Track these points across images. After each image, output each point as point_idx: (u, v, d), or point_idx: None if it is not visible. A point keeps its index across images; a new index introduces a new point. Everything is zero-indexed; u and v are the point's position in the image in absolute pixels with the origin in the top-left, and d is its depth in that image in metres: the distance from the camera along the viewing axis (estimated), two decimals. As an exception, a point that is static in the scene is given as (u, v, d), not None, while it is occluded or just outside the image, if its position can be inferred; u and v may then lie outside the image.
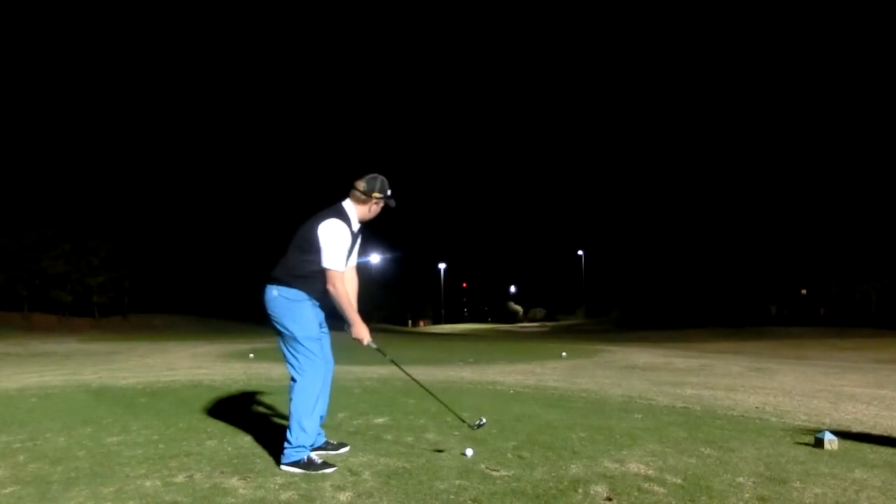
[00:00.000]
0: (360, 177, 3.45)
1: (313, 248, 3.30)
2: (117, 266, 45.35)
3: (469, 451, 3.50)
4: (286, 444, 3.22)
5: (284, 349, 3.37)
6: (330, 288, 3.30)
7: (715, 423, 4.77)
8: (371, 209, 3.45)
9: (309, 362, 3.30)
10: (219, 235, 53.99)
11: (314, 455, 3.26)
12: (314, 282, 3.33)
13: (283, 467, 3.17)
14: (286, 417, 4.53)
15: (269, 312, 3.35)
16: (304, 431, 3.22)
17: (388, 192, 3.46)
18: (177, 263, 50.37)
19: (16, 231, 40.48)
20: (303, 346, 3.29)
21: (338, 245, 3.28)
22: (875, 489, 2.94)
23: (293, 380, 3.33)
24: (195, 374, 8.98)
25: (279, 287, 3.33)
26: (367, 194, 3.40)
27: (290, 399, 3.31)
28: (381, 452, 3.54)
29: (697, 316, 50.21)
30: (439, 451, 3.59)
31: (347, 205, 3.43)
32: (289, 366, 3.36)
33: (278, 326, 3.34)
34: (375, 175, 3.45)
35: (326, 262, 3.27)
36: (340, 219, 3.32)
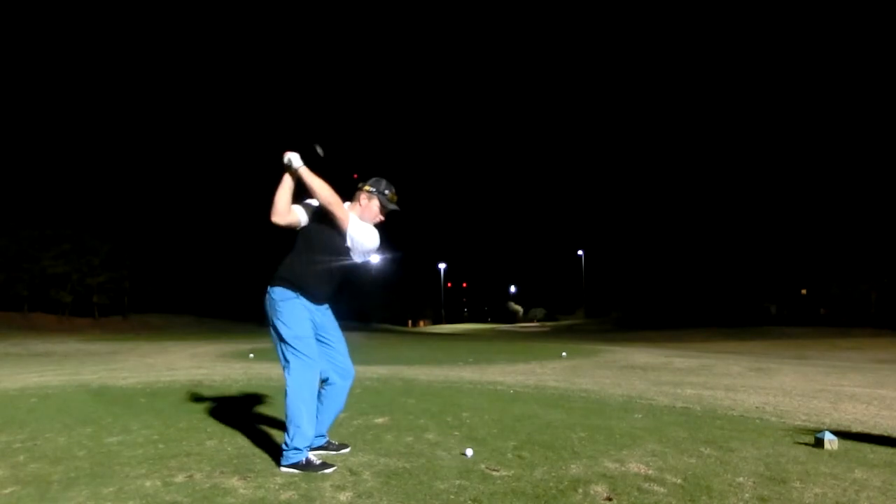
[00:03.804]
0: (363, 180, 3.50)
1: (310, 248, 3.33)
2: (117, 266, 45.39)
3: (469, 452, 3.50)
4: (284, 446, 3.22)
5: (276, 350, 3.35)
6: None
7: (715, 423, 4.77)
8: (374, 210, 3.46)
9: (298, 362, 3.25)
10: (218, 236, 53.99)
11: (313, 456, 3.25)
12: (305, 281, 3.32)
13: (283, 469, 3.17)
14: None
15: (267, 312, 3.37)
16: (300, 433, 3.19)
17: (387, 192, 3.47)
18: (176, 263, 50.40)
19: (16, 231, 40.52)
20: (290, 345, 3.25)
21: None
22: (875, 489, 2.94)
23: (286, 381, 3.31)
24: (195, 374, 8.97)
25: (271, 288, 3.35)
26: (372, 193, 3.44)
27: (286, 400, 3.28)
28: (381, 452, 3.54)
29: (697, 316, 50.25)
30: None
31: (348, 207, 3.46)
32: (283, 367, 3.32)
33: (270, 328, 3.34)
34: (381, 178, 3.51)
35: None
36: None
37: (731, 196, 63.08)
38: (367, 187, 3.46)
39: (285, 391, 3.26)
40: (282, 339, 3.27)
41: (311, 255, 3.33)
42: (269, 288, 3.35)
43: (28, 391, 6.69)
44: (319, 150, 3.32)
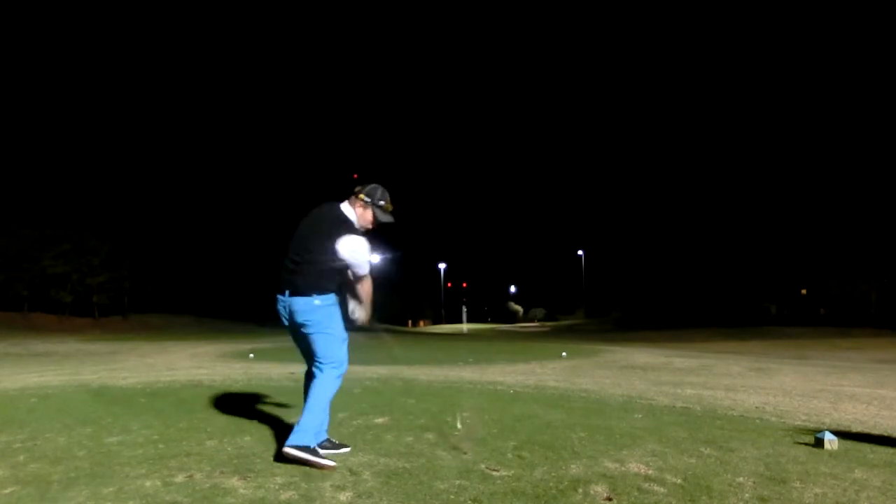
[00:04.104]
0: (362, 183, 3.57)
1: (336, 257, 3.36)
2: (117, 266, 45.39)
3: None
4: (297, 427, 3.26)
5: (322, 347, 3.41)
6: (366, 289, 3.48)
7: (715, 423, 4.77)
8: (367, 218, 3.52)
9: (342, 359, 3.45)
10: (218, 236, 53.98)
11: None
12: (336, 284, 3.47)
13: (288, 450, 3.18)
14: (286, 417, 4.57)
15: (310, 321, 3.37)
16: (319, 418, 3.33)
17: (382, 203, 3.54)
18: (176, 263, 50.39)
19: (16, 231, 40.50)
20: (344, 343, 3.47)
21: (365, 253, 3.40)
22: (875, 489, 2.94)
23: (320, 371, 3.40)
24: (195, 374, 8.97)
25: (320, 296, 3.37)
26: (367, 204, 3.51)
27: (314, 388, 3.37)
28: (381, 452, 3.54)
29: (697, 316, 50.24)
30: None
31: (346, 208, 3.51)
32: (322, 361, 3.41)
33: (322, 333, 3.39)
34: (377, 185, 3.57)
35: (365, 270, 3.42)
36: (355, 232, 3.45)
37: (730, 196, 63.09)
38: (362, 196, 3.51)
39: (319, 380, 3.38)
40: (341, 339, 3.45)
41: (336, 262, 3.41)
42: (317, 296, 3.37)
43: (28, 391, 6.68)
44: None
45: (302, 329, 3.41)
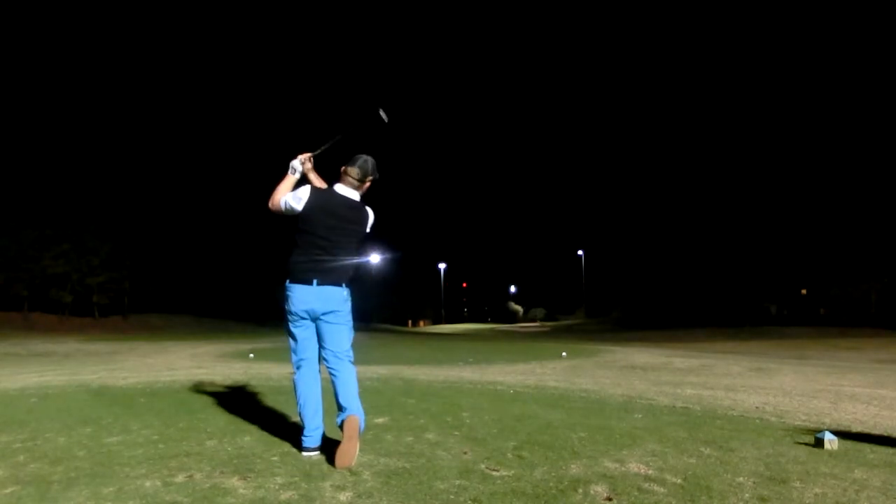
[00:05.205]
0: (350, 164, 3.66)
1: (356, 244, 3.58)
2: (117, 266, 45.38)
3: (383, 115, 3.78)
4: (363, 415, 3.43)
5: (347, 339, 3.56)
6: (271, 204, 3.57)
7: (715, 423, 4.77)
8: (366, 188, 3.67)
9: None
10: (219, 236, 53.95)
11: None
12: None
13: (358, 426, 3.34)
14: (286, 417, 4.59)
15: (341, 310, 3.51)
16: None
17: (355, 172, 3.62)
18: (176, 263, 50.38)
19: (16, 231, 40.50)
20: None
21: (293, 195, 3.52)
22: (875, 489, 2.94)
23: (341, 362, 3.49)
24: (195, 374, 8.97)
25: (347, 289, 3.54)
26: (362, 180, 3.62)
27: (349, 382, 3.46)
28: (381, 452, 3.54)
29: (697, 316, 50.25)
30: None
31: (350, 192, 3.61)
32: (345, 353, 3.53)
33: (347, 324, 3.55)
34: (366, 158, 3.62)
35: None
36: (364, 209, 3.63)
37: (730, 196, 63.00)
38: (371, 178, 3.67)
39: (349, 372, 3.50)
40: (352, 330, 3.60)
41: (358, 253, 3.62)
42: (347, 288, 3.53)
43: (28, 391, 6.69)
44: (384, 115, 3.63)
45: (327, 318, 3.46)
